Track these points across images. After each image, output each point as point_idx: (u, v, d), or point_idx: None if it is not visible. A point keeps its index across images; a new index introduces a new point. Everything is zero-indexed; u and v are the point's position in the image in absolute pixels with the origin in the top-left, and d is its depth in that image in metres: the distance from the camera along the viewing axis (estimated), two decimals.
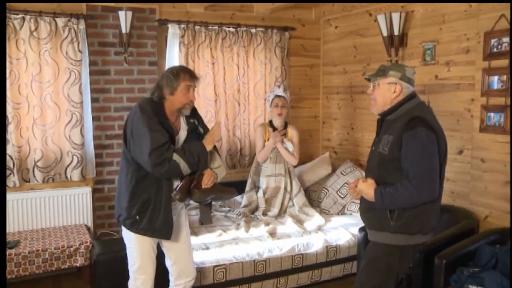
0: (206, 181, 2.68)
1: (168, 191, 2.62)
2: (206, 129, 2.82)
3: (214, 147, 2.81)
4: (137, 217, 2.61)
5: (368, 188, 2.36)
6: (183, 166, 2.52)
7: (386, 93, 2.39)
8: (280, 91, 4.23)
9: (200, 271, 3.22)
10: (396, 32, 3.98)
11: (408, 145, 2.25)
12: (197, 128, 2.78)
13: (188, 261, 2.88)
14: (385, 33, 4.07)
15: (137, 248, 2.69)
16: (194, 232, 3.74)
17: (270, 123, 4.31)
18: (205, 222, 2.91)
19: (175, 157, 2.49)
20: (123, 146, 2.63)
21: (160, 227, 2.63)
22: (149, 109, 2.52)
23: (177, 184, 2.69)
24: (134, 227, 2.64)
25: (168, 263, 2.89)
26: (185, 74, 2.62)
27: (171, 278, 2.89)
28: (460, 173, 3.66)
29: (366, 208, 2.46)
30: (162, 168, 2.47)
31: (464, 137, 3.62)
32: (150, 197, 2.59)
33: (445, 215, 3.56)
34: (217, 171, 2.77)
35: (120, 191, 2.68)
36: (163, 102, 2.62)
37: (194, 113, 2.79)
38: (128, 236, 2.70)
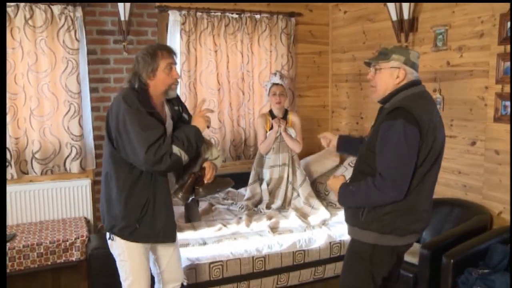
0: (209, 176, 2.48)
1: (166, 189, 2.40)
2: (190, 117, 2.59)
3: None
4: (137, 225, 2.34)
5: (335, 184, 2.26)
6: (184, 157, 2.27)
7: (388, 78, 2.18)
8: (276, 79, 4.06)
9: (195, 267, 3.09)
10: (406, 16, 3.75)
11: (382, 137, 2.07)
12: (182, 115, 2.55)
13: (178, 267, 2.66)
14: (394, 18, 3.85)
15: (130, 259, 2.41)
16: (193, 226, 3.61)
17: (271, 113, 4.15)
18: (193, 219, 2.69)
19: (175, 149, 2.23)
20: (108, 146, 2.34)
21: (165, 229, 2.41)
22: (135, 100, 2.23)
23: (173, 179, 2.52)
24: (134, 236, 2.37)
25: (156, 270, 2.64)
26: (162, 51, 2.35)
27: (158, 285, 2.67)
28: (473, 165, 3.45)
29: None
30: (163, 164, 2.20)
31: (477, 127, 3.40)
32: (148, 199, 2.34)
33: (455, 209, 3.38)
34: (216, 162, 2.58)
35: (110, 199, 2.37)
36: (147, 89, 2.34)
37: (177, 100, 2.57)
38: (120, 248, 2.41)
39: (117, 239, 2.41)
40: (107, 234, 2.46)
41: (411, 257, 3.00)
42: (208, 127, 2.49)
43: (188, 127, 2.40)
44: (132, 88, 2.33)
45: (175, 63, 2.40)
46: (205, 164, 2.51)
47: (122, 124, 2.22)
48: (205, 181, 2.48)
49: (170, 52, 2.39)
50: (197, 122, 2.43)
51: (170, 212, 2.43)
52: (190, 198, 2.52)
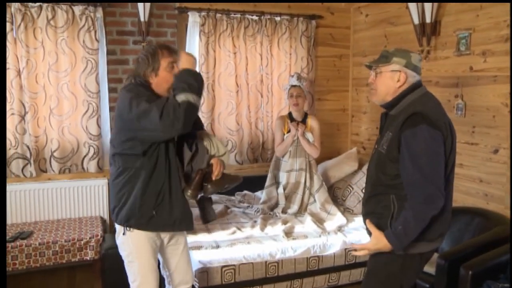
0: (217, 172, 2.47)
1: (178, 179, 2.38)
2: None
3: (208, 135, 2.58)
4: (154, 212, 2.33)
5: (380, 243, 2.07)
6: (192, 99, 2.18)
7: (389, 81, 2.12)
8: (294, 81, 4.03)
9: (207, 271, 3.07)
10: (428, 20, 3.66)
11: (408, 146, 1.98)
12: None
13: (188, 269, 2.65)
14: (416, 21, 3.76)
15: (138, 260, 2.41)
16: (208, 229, 3.60)
17: (290, 115, 4.12)
18: (210, 218, 2.61)
19: (180, 98, 2.16)
20: (120, 145, 2.31)
21: (182, 218, 2.40)
22: (138, 88, 2.26)
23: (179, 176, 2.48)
24: (151, 225, 2.35)
25: (166, 272, 2.64)
26: (162, 50, 2.34)
27: (168, 286, 2.67)
28: (495, 174, 3.34)
29: (366, 213, 2.23)
30: (179, 118, 2.12)
31: (500, 134, 3.29)
32: (164, 187, 2.34)
33: (476, 219, 3.27)
34: (224, 158, 2.57)
35: (128, 194, 2.34)
36: (148, 85, 2.34)
37: None
38: (129, 248, 2.41)
39: (128, 238, 2.38)
40: (122, 229, 2.40)
41: (428, 267, 2.88)
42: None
43: (177, 74, 2.29)
44: (132, 83, 2.33)
45: (176, 62, 2.37)
46: (213, 161, 2.50)
47: (126, 110, 2.20)
48: (213, 178, 2.46)
49: (171, 51, 2.37)
50: (184, 62, 2.32)
51: (186, 200, 2.42)
52: (199, 196, 2.50)
